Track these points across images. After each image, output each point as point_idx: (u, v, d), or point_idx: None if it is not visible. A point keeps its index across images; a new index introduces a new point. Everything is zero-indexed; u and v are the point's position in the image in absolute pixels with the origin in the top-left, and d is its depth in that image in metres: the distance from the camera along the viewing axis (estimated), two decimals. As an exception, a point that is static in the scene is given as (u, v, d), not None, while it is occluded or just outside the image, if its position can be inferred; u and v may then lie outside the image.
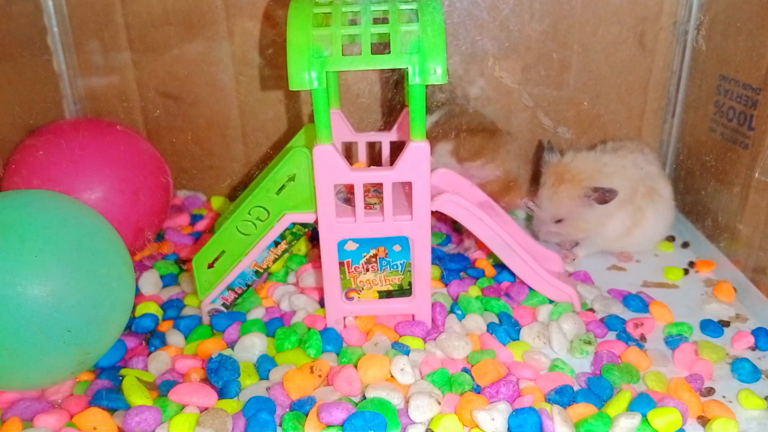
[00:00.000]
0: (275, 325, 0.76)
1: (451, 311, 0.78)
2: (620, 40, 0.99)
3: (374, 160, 0.97)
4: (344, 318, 0.76)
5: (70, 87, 1.03)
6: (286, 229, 0.74)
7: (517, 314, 0.79)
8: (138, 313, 0.80)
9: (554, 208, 0.88)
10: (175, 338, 0.75)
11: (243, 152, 1.07)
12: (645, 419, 0.61)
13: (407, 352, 0.70)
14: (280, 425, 0.63)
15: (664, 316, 0.79)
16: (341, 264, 0.72)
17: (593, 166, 0.87)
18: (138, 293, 0.83)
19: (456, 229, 1.00)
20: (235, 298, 0.78)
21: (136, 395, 0.65)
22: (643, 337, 0.75)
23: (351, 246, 0.72)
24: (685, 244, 0.97)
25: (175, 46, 1.00)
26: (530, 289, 0.81)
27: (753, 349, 0.74)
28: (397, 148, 0.79)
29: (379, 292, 0.74)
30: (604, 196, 0.84)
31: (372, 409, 0.61)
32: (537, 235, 0.91)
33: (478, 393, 0.65)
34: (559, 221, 0.89)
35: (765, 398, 0.66)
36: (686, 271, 0.90)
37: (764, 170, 0.81)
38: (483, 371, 0.67)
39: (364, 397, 0.65)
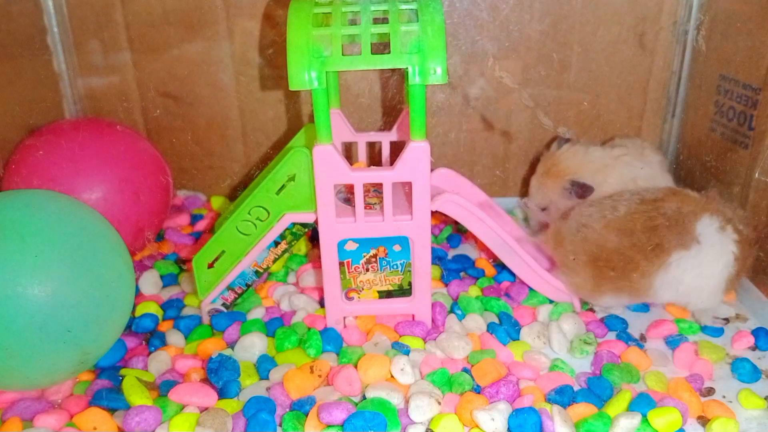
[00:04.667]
0: (275, 325, 0.76)
1: (451, 311, 0.78)
2: (620, 40, 0.99)
3: (374, 160, 0.97)
4: (344, 318, 0.75)
5: (70, 87, 1.03)
6: (286, 229, 0.74)
7: (517, 314, 0.79)
8: (138, 313, 0.79)
9: (539, 196, 0.92)
10: (175, 338, 0.75)
11: (243, 152, 1.07)
12: (645, 419, 0.61)
13: (407, 352, 0.70)
14: (280, 425, 0.63)
15: (665, 316, 0.79)
16: (341, 264, 0.72)
17: (584, 161, 0.88)
18: (138, 293, 0.83)
19: (458, 230, 1.00)
20: (235, 298, 0.78)
21: (136, 395, 0.65)
22: (643, 337, 0.75)
23: (351, 246, 0.72)
24: (685, 244, 0.97)
25: (175, 46, 1.00)
26: (530, 289, 0.81)
27: (753, 349, 0.74)
28: (397, 148, 0.79)
29: (379, 292, 0.74)
30: (581, 190, 0.86)
31: (372, 409, 0.61)
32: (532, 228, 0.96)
33: (478, 393, 0.65)
34: (544, 209, 0.92)
35: (765, 398, 0.66)
36: (686, 271, 0.90)
37: (764, 170, 0.81)
38: (483, 371, 0.67)
39: (364, 397, 0.65)
